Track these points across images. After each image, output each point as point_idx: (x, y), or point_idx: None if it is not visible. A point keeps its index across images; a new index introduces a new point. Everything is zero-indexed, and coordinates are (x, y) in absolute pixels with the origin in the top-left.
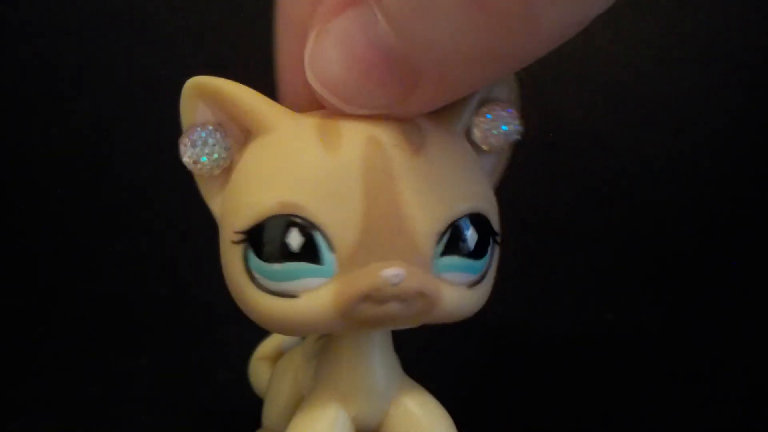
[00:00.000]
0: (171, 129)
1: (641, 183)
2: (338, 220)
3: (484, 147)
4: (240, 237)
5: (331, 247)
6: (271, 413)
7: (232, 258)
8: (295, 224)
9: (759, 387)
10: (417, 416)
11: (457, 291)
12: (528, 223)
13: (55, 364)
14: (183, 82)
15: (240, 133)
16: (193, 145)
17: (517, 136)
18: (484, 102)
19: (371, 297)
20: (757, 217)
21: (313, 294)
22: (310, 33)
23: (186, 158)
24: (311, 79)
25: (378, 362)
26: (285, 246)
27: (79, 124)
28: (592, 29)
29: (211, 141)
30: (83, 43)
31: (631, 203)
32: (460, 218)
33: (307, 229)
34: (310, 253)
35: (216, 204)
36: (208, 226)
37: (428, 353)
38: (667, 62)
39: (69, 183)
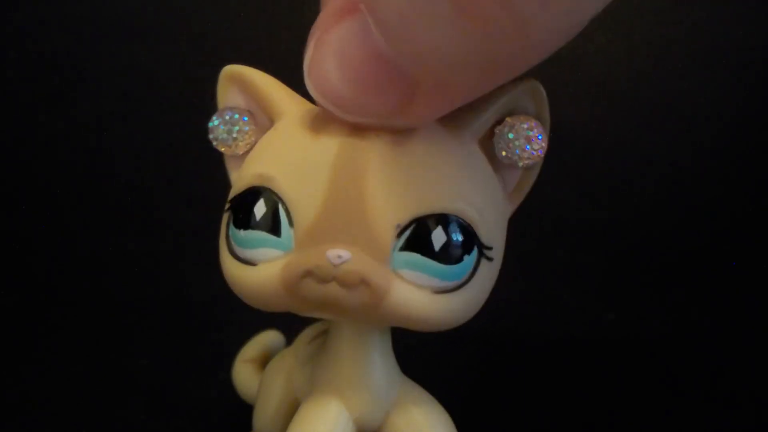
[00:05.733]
0: (171, 129)
1: (641, 183)
2: (302, 197)
3: (502, 159)
4: (228, 206)
5: (291, 222)
6: (262, 416)
7: (222, 227)
8: (262, 194)
9: (759, 387)
10: (417, 417)
11: (418, 293)
12: (528, 223)
13: (55, 364)
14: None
15: (266, 119)
16: (220, 125)
17: (537, 152)
18: (510, 113)
19: (313, 274)
20: (758, 217)
21: (268, 265)
22: (308, 41)
23: (211, 136)
24: (310, 89)
25: (378, 364)
26: (251, 213)
27: (79, 124)
28: (591, 29)
29: (235, 123)
30: (83, 43)
31: (632, 203)
32: (429, 216)
33: (272, 200)
34: (270, 224)
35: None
36: (208, 226)
37: (428, 354)
38: (667, 62)
39: (69, 183)
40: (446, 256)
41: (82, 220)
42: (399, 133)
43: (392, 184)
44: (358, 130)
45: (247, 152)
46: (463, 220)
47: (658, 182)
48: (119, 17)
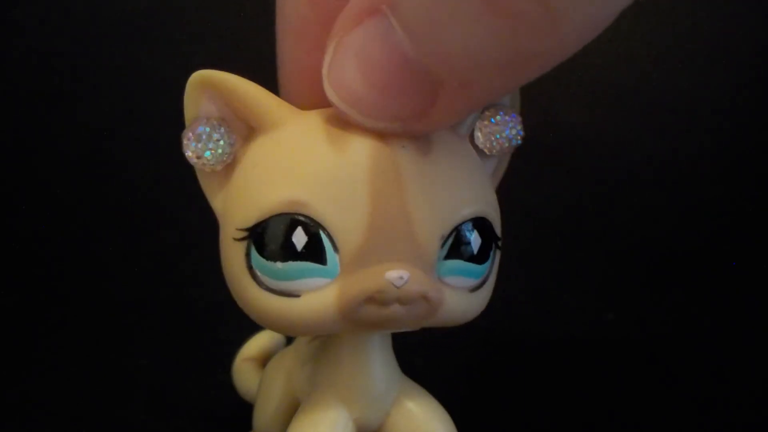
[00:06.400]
0: (170, 129)
1: (641, 183)
2: (344, 220)
3: (486, 151)
4: (242, 234)
5: (336, 248)
6: (262, 415)
7: (233, 255)
8: (300, 223)
9: (759, 387)
10: (417, 417)
11: (459, 295)
12: (528, 223)
13: (55, 364)
14: (183, 82)
15: (244, 129)
16: (197, 140)
17: (518, 141)
18: (488, 107)
19: (374, 299)
20: (757, 217)
21: (316, 294)
22: (328, 45)
23: (189, 153)
24: (329, 93)
25: (378, 364)
26: (289, 244)
27: (79, 124)
28: None
29: (215, 136)
30: (83, 43)
31: (632, 203)
32: (465, 222)
33: (312, 228)
34: (314, 252)
35: (217, 200)
36: (208, 226)
37: (428, 354)
38: (667, 62)
39: (69, 183)
40: (481, 257)
41: (82, 220)
42: (418, 140)
43: (430, 196)
44: (381, 140)
45: (227, 168)
46: (486, 219)
47: (659, 182)
48: (119, 17)
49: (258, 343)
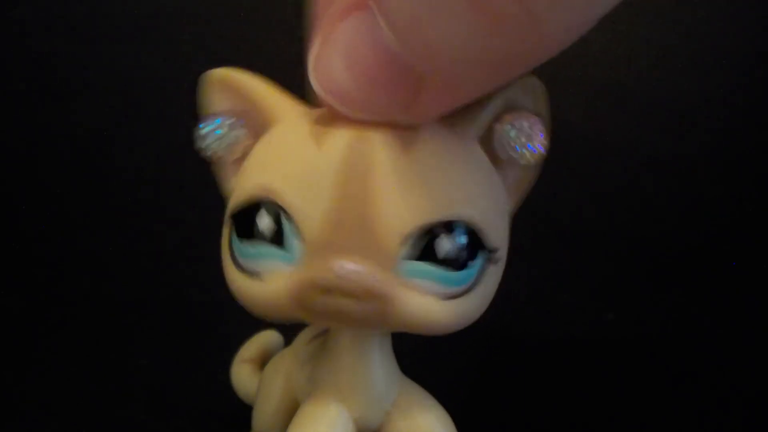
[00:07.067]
0: (170, 129)
1: (641, 183)
2: (308, 209)
3: (502, 157)
4: (228, 217)
5: (298, 235)
6: (262, 416)
7: (224, 237)
8: (266, 207)
9: (759, 387)
10: (417, 417)
11: (427, 300)
12: (528, 223)
13: (55, 364)
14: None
15: (258, 124)
16: (209, 133)
17: (539, 150)
18: (509, 110)
19: (320, 287)
20: (757, 217)
21: (275, 277)
22: (314, 38)
23: (201, 144)
24: (315, 86)
25: (378, 364)
26: (255, 226)
27: (79, 123)
28: (591, 29)
29: (226, 129)
30: (83, 43)
31: (632, 203)
32: (437, 224)
33: (277, 213)
34: (277, 236)
35: (229, 189)
36: (208, 226)
37: (428, 353)
38: (667, 62)
39: (69, 183)
40: (453, 263)
41: (82, 220)
42: (403, 136)
43: (398, 193)
44: (361, 137)
45: (240, 159)
46: (469, 225)
47: (659, 182)
48: (119, 17)
49: (256, 344)
